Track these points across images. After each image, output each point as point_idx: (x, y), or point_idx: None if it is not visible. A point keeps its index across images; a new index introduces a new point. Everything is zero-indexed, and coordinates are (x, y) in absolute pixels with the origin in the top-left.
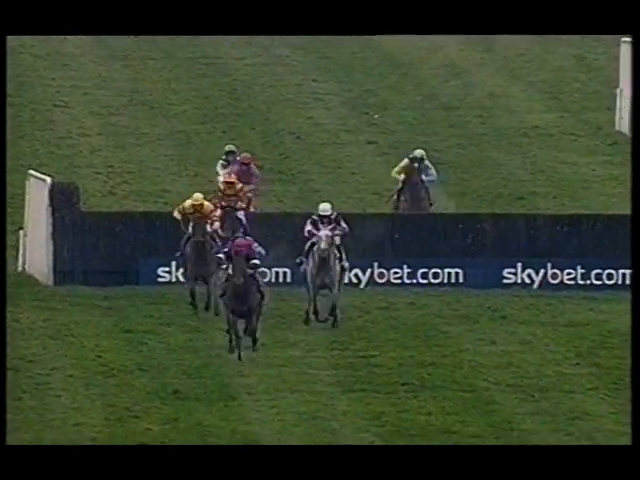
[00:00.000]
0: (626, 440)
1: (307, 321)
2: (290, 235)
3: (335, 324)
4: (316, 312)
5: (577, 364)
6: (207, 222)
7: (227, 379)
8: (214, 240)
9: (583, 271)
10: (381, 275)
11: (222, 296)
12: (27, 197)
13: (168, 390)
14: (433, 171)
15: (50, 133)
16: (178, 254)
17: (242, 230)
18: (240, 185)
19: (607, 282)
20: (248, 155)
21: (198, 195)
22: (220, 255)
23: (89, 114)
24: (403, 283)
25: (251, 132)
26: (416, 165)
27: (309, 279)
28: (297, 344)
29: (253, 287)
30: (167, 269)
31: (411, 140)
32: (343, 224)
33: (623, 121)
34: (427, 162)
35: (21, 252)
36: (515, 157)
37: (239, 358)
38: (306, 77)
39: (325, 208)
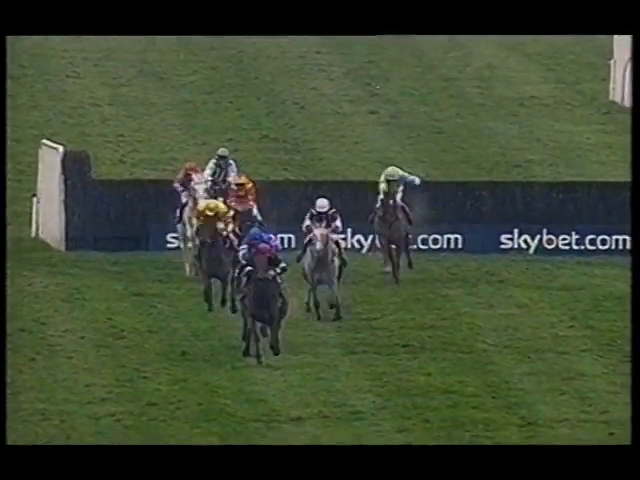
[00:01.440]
0: (618, 400)
1: (308, 311)
2: (294, 202)
3: (338, 316)
4: (316, 304)
5: (572, 326)
6: (217, 223)
7: (234, 341)
8: (228, 239)
9: (578, 237)
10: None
11: (242, 300)
12: (40, 165)
13: (177, 352)
14: (413, 178)
15: (62, 103)
16: (195, 253)
17: (258, 226)
18: (250, 185)
19: (601, 247)
20: (192, 164)
21: (213, 201)
22: (241, 253)
23: (100, 85)
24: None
25: (256, 102)
26: (392, 186)
27: (307, 274)
28: (301, 307)
29: (276, 291)
30: (176, 235)
31: (412, 110)
32: (338, 222)
33: (617, 91)
34: (402, 175)
35: (34, 219)
36: (512, 126)
37: (259, 362)
38: (310, 49)
39: (322, 204)
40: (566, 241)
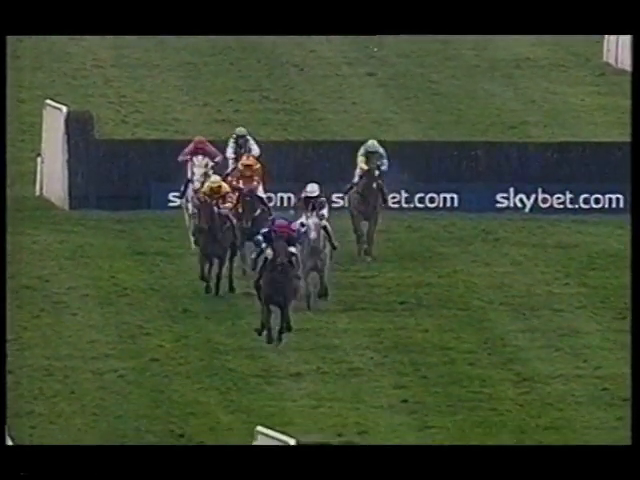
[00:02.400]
0: (612, 356)
1: (309, 306)
2: (294, 161)
3: (325, 295)
4: (308, 294)
5: (566, 284)
6: (215, 205)
7: (234, 299)
8: (227, 218)
9: (572, 196)
10: None
11: (257, 282)
12: (44, 125)
13: (179, 309)
14: (385, 161)
15: (66, 65)
16: (193, 239)
17: (263, 209)
18: (258, 166)
19: (595, 206)
20: (202, 139)
21: (216, 177)
22: (259, 237)
23: (103, 47)
24: (401, 207)
25: (257, 64)
26: (372, 160)
27: (300, 261)
28: None
29: (292, 275)
30: (178, 194)
31: (409, 72)
32: (324, 211)
33: (611, 53)
34: (381, 151)
35: (39, 178)
36: (507, 88)
37: (279, 341)
38: None
39: (313, 189)
40: (561, 200)
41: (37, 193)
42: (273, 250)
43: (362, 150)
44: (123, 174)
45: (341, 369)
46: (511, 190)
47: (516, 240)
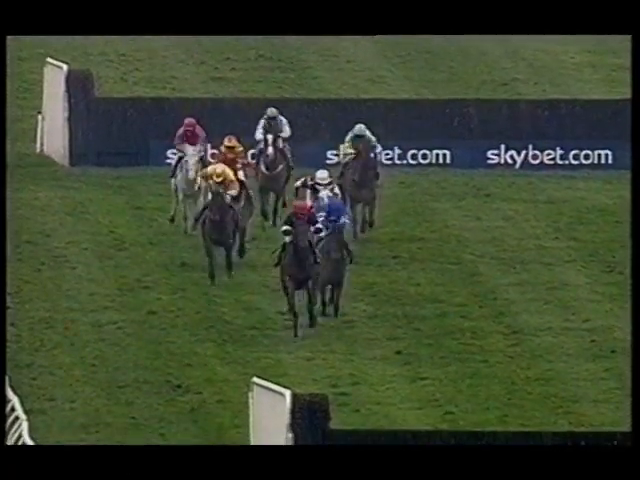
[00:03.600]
0: (600, 308)
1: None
2: (288, 118)
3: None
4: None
5: (556, 238)
6: (226, 193)
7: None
8: (232, 208)
9: (562, 152)
10: None
11: (277, 265)
12: (45, 83)
13: (176, 263)
14: (377, 146)
15: None
16: (195, 219)
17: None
18: (241, 148)
19: (584, 162)
20: (192, 120)
21: (221, 165)
22: (286, 227)
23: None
24: (394, 164)
25: None
26: (362, 144)
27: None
28: None
29: (312, 256)
30: (175, 150)
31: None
32: (336, 190)
33: None
34: (368, 135)
35: (39, 135)
36: (498, 46)
37: (295, 335)
38: None
39: (323, 176)
40: (551, 156)
41: (38, 150)
42: (295, 234)
43: (349, 136)
44: (122, 131)
45: (335, 322)
46: (502, 147)
47: (507, 196)
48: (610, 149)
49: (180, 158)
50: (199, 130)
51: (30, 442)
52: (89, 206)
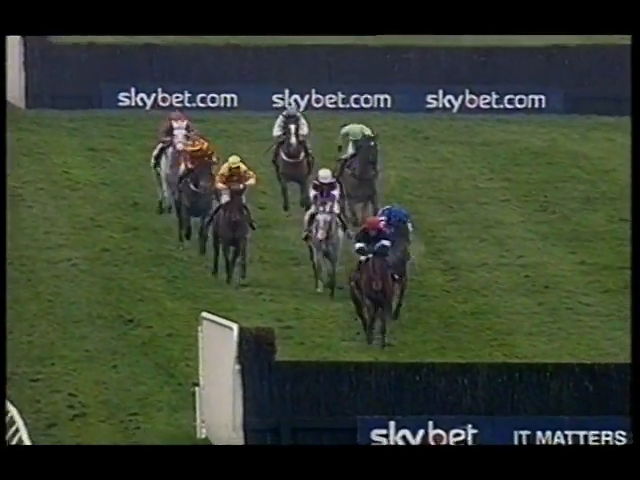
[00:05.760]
0: (533, 246)
1: (332, 295)
2: (235, 63)
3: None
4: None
5: (491, 179)
6: (242, 196)
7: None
8: (246, 208)
9: (497, 96)
10: (318, 100)
11: (357, 282)
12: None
13: (129, 202)
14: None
15: None
16: (207, 219)
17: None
18: (206, 145)
19: (518, 106)
20: (179, 114)
21: (235, 158)
22: (360, 245)
23: None
24: (337, 108)
25: None
26: (360, 146)
27: (314, 246)
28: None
29: (388, 271)
30: (127, 94)
31: None
32: (336, 191)
33: None
34: (367, 132)
35: None
36: None
37: (369, 342)
38: None
39: (325, 175)
40: (486, 100)
41: None
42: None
43: (348, 136)
44: (76, 75)
45: (282, 258)
46: (440, 91)
47: (444, 138)
48: (543, 94)
49: (162, 148)
50: (184, 117)
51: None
52: (44, 147)
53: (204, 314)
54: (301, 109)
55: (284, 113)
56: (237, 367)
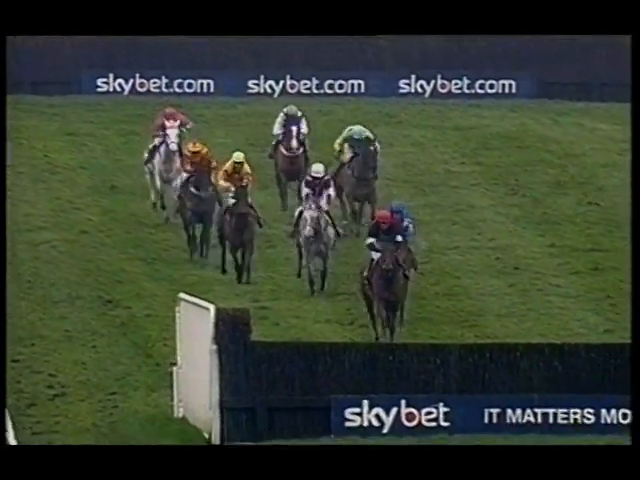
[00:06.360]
0: (503, 229)
1: (312, 293)
2: (213, 51)
3: (323, 288)
4: (311, 281)
5: (462, 163)
6: (247, 191)
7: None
8: (251, 206)
9: (469, 82)
10: (292, 86)
11: (368, 284)
12: None
13: (107, 185)
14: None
15: None
16: (216, 226)
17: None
18: (205, 150)
19: (489, 91)
20: (173, 110)
21: (240, 154)
22: (371, 241)
23: None
24: (312, 93)
25: None
26: (360, 147)
27: (303, 246)
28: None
29: (400, 271)
30: (105, 80)
31: None
32: (331, 190)
33: None
34: (368, 134)
35: None
36: None
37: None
38: None
39: (318, 170)
40: (458, 85)
41: None
42: (382, 253)
43: (347, 134)
44: (55, 61)
45: (257, 241)
46: (412, 77)
47: (417, 123)
48: (514, 79)
49: (155, 146)
50: (180, 116)
51: None
52: (24, 132)
53: (182, 295)
54: (276, 95)
55: (284, 112)
56: (214, 347)
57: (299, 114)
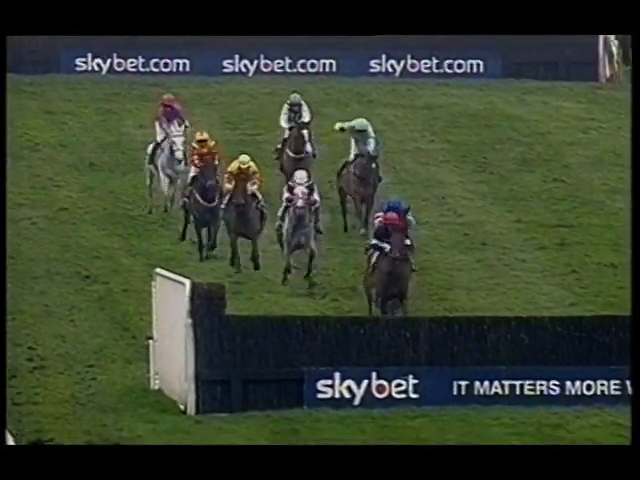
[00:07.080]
0: (472, 205)
1: (284, 280)
2: None
3: (309, 274)
4: (288, 269)
5: (432, 141)
6: (247, 183)
7: (135, 153)
8: (256, 197)
9: (437, 61)
10: (266, 65)
11: (371, 274)
12: None
13: (85, 163)
14: (372, 141)
15: None
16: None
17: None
18: (213, 143)
19: (458, 71)
20: (171, 96)
21: (246, 157)
22: (374, 241)
23: None
24: (285, 72)
25: None
26: (360, 140)
27: (285, 239)
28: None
29: (407, 267)
30: (84, 59)
31: None
32: (315, 195)
33: None
34: (369, 130)
35: None
36: None
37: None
38: None
39: (302, 176)
40: (427, 65)
41: None
42: (391, 245)
43: (350, 126)
44: (34, 41)
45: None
46: (383, 56)
47: (387, 102)
48: (481, 59)
49: (157, 143)
50: (177, 105)
51: None
52: (4, 110)
53: (158, 270)
54: (250, 74)
55: (288, 102)
56: (189, 321)
57: (302, 102)
